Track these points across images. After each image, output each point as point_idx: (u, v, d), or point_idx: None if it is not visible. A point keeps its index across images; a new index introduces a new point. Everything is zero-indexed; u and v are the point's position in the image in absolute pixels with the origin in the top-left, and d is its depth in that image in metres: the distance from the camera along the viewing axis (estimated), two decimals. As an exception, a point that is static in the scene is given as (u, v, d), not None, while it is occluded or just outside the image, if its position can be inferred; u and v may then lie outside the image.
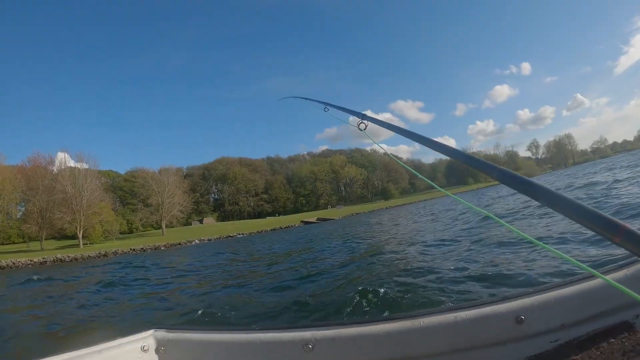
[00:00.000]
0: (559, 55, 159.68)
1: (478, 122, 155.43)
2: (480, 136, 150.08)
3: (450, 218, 12.98)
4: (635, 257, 0.51)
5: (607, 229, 0.53)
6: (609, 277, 0.92)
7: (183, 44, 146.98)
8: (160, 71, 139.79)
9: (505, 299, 1.09)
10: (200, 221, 74.63)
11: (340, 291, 4.54)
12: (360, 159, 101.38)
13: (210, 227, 60.52)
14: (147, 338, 1.39)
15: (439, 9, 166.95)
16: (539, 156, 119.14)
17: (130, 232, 59.41)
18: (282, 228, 46.30)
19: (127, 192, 65.50)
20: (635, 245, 0.50)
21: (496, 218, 0.87)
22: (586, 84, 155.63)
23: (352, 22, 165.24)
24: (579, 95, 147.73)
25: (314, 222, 48.88)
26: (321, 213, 64.41)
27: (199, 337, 1.33)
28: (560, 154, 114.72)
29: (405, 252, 7.04)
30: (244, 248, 19.15)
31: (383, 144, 1.62)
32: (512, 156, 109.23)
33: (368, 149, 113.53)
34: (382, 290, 3.92)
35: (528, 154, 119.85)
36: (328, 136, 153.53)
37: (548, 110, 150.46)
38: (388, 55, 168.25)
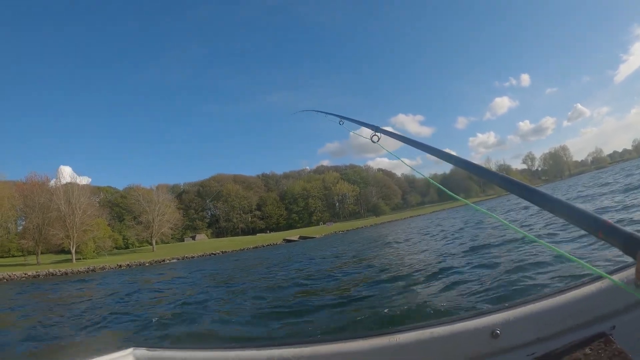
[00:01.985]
0: (558, 65, 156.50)
1: (479, 135, 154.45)
2: (481, 148, 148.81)
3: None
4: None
5: (590, 225, 0.57)
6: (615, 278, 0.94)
7: (181, 60, 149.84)
8: (160, 85, 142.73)
9: (480, 313, 1.10)
10: (193, 237, 76.96)
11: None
12: (353, 175, 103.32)
13: (201, 244, 62.88)
14: (126, 357, 1.35)
15: (436, 21, 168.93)
16: (536, 168, 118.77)
17: (127, 247, 61.79)
18: (264, 246, 48.57)
19: (123, 208, 68.12)
20: (615, 238, 0.54)
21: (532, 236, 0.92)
22: (586, 93, 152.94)
23: (350, 36, 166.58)
24: (579, 106, 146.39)
25: (296, 240, 51.02)
26: (304, 231, 66.16)
27: (179, 356, 1.32)
28: (557, 165, 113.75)
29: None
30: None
31: (405, 159, 1.73)
32: (504, 169, 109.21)
33: (362, 165, 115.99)
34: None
35: (525, 166, 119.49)
36: (329, 151, 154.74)
37: (549, 121, 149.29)
38: (387, 68, 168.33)
